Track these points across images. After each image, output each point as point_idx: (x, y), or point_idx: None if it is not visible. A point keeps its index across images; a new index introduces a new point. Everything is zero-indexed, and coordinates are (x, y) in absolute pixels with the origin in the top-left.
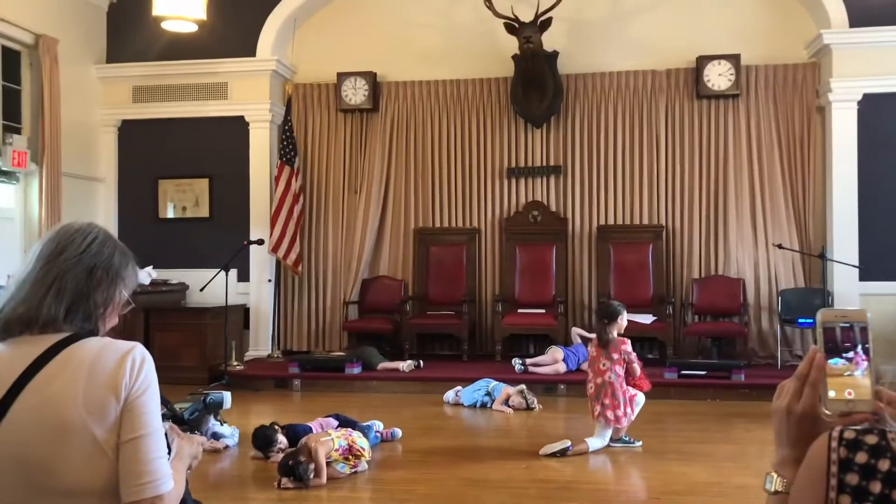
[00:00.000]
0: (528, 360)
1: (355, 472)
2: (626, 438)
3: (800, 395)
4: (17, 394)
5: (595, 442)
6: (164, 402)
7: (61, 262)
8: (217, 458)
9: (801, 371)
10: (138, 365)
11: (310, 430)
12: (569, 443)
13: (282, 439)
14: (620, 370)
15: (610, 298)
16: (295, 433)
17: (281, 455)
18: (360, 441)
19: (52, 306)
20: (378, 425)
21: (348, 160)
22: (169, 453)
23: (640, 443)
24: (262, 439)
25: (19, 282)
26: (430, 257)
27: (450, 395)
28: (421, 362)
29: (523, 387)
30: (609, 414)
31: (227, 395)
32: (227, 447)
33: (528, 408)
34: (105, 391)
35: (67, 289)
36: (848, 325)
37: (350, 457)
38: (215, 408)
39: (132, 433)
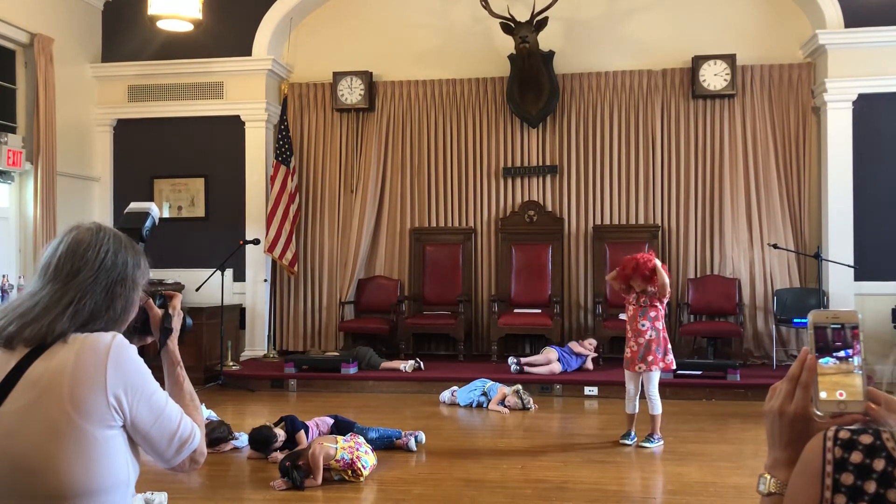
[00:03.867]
0: (523, 360)
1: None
2: (653, 439)
3: (792, 396)
4: (6, 395)
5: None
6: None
7: (77, 285)
8: (214, 459)
9: (792, 372)
10: (123, 359)
11: (307, 427)
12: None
13: (280, 434)
14: (660, 325)
15: (606, 298)
16: (293, 427)
17: (279, 453)
18: (365, 459)
19: (64, 326)
20: (420, 437)
21: (344, 160)
22: (170, 332)
23: (661, 442)
24: (260, 442)
25: (29, 299)
26: (426, 257)
27: (446, 395)
28: (421, 364)
29: (519, 387)
30: (660, 363)
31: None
32: (235, 448)
33: (524, 408)
34: (91, 390)
35: (85, 310)
36: (839, 326)
37: (349, 471)
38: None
39: (147, 420)
